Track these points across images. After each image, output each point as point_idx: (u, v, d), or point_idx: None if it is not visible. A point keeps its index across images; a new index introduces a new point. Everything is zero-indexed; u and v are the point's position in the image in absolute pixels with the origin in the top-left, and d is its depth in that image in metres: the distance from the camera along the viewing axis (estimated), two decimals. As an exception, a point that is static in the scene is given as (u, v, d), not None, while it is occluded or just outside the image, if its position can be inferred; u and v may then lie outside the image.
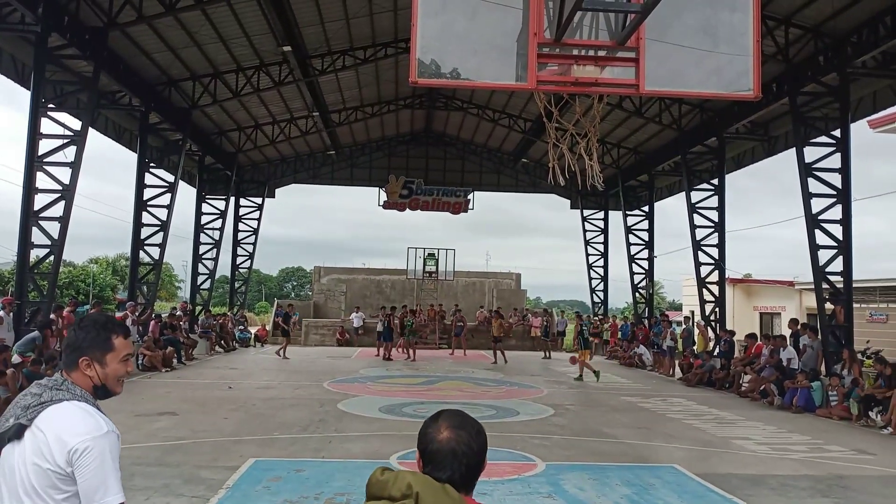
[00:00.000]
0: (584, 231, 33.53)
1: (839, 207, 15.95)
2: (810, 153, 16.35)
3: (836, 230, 16.00)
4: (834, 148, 16.06)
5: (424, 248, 33.58)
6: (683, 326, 23.26)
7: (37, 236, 15.01)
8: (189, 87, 21.60)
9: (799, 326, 17.00)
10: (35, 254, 15.27)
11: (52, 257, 15.35)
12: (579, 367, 18.76)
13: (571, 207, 34.45)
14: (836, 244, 15.97)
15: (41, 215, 15.07)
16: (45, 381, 2.36)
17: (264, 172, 32.55)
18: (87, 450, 2.21)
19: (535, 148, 30.54)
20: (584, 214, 33.53)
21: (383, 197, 33.78)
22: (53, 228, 15.13)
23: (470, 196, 34.32)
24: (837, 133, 16.03)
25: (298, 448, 9.19)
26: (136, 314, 18.71)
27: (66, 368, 2.39)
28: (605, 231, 33.28)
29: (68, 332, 2.50)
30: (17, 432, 2.23)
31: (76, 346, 2.40)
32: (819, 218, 16.10)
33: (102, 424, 2.29)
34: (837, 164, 15.99)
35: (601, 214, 33.34)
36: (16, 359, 12.48)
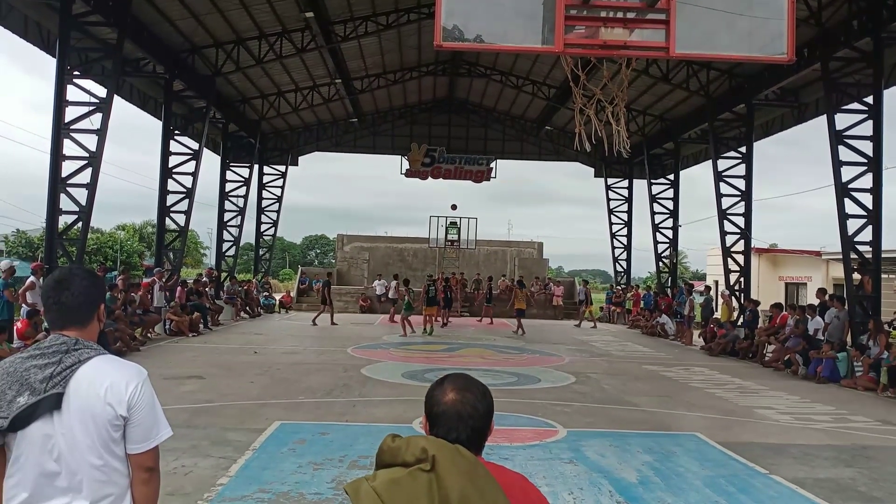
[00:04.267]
0: (608, 200, 33.20)
1: (870, 176, 15.60)
2: (841, 120, 15.98)
3: (866, 199, 15.67)
4: (866, 115, 15.68)
5: (446, 217, 33.58)
6: (704, 297, 23.10)
7: (65, 203, 15.22)
8: (212, 55, 21.58)
9: (827, 297, 16.78)
10: (63, 220, 15.52)
11: (80, 224, 15.59)
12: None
13: (595, 176, 34.13)
14: (865, 213, 15.67)
15: (69, 182, 15.27)
16: (50, 347, 2.28)
17: (287, 140, 32.59)
18: (141, 393, 2.31)
19: (558, 115, 30.21)
20: (609, 183, 33.17)
21: (405, 165, 33.70)
22: (81, 195, 15.32)
23: (493, 164, 34.13)
24: (870, 100, 15.63)
25: (323, 412, 9.32)
26: (163, 280, 18.98)
27: (79, 324, 2.36)
28: (629, 200, 32.94)
29: (71, 290, 2.36)
30: (57, 402, 2.21)
31: (92, 300, 2.41)
32: (849, 187, 15.77)
33: (140, 367, 2.40)
34: (869, 132, 15.62)
35: (625, 183, 32.97)
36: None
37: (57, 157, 15.02)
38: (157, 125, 21.62)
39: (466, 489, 1.70)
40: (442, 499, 1.69)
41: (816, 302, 16.95)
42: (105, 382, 2.26)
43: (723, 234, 22.30)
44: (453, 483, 1.70)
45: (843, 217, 15.76)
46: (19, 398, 2.20)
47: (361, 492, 1.73)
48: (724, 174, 22.26)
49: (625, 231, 33.16)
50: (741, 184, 22.05)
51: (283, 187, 32.68)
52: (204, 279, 23.83)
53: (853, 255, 15.87)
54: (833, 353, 14.06)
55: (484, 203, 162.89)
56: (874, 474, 7.19)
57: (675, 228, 28.98)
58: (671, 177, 29.31)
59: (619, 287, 32.47)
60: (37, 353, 2.28)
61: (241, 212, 28.61)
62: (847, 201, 15.74)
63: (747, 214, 21.98)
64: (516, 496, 1.83)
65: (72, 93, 15.35)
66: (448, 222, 33.40)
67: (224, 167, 28.45)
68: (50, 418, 2.22)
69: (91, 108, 15.51)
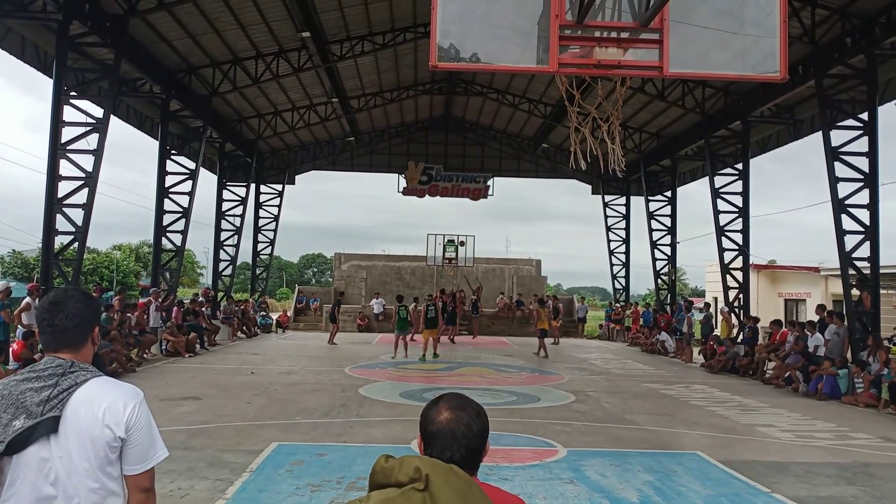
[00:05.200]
0: (606, 217, 33.31)
1: (866, 192, 15.66)
2: (837, 137, 16.05)
3: (863, 215, 15.72)
4: (861, 131, 15.76)
5: (444, 235, 33.57)
6: (704, 314, 23.07)
7: (61, 223, 15.21)
8: (209, 74, 21.69)
9: (826, 313, 16.76)
10: (59, 241, 15.47)
11: (76, 244, 15.55)
12: (429, 346, 19.06)
13: (593, 193, 34.21)
14: (862, 229, 15.70)
15: (65, 202, 15.25)
16: (45, 370, 2.26)
17: (284, 159, 32.66)
18: (138, 414, 2.31)
19: (555, 133, 30.33)
20: (606, 200, 33.30)
21: (402, 183, 33.78)
22: (77, 215, 15.30)
23: (489, 182, 34.22)
24: (865, 116, 15.72)
25: (320, 433, 9.25)
26: (160, 300, 18.91)
27: (74, 347, 2.35)
28: (626, 217, 33.03)
29: (66, 313, 2.35)
30: (54, 425, 2.20)
31: (87, 322, 2.39)
32: (846, 203, 15.83)
33: (136, 389, 2.39)
34: (865, 148, 15.70)
35: (623, 200, 33.08)
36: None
37: (53, 177, 15.01)
38: (153, 145, 21.70)
39: None
40: None
41: (816, 318, 16.91)
42: (103, 404, 2.25)
43: (721, 250, 22.31)
44: (447, 502, 1.68)
45: (841, 233, 15.78)
46: (15, 422, 2.18)
47: None
48: (721, 191, 22.31)
49: (623, 248, 33.21)
50: (738, 200, 22.09)
51: (279, 206, 32.69)
52: (200, 299, 23.76)
53: (851, 271, 15.88)
54: (834, 370, 14.00)
55: (481, 220, 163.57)
56: (876, 492, 7.14)
57: (673, 245, 29.01)
58: (668, 193, 29.35)
59: (618, 304, 32.44)
60: (32, 376, 2.26)
61: (238, 231, 28.61)
62: (844, 217, 15.78)
63: (745, 231, 22.01)
64: None
65: (68, 113, 15.38)
66: (446, 240, 33.40)
67: (221, 186, 28.48)
68: (47, 442, 2.20)
69: (88, 128, 15.53)
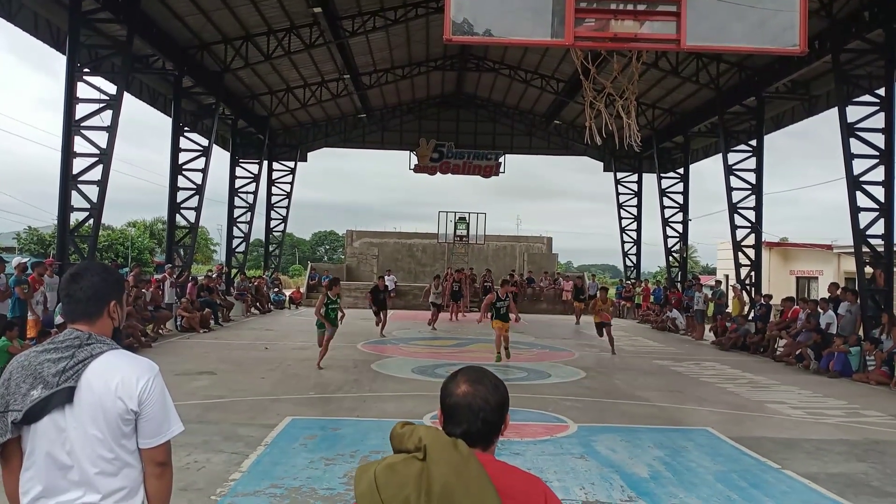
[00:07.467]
0: (618, 194, 33.11)
1: (882, 168, 15.49)
2: (853, 112, 15.85)
3: (878, 192, 15.56)
4: (878, 107, 15.56)
5: (455, 212, 33.55)
6: (715, 291, 23.00)
7: (76, 200, 15.32)
8: (221, 51, 21.63)
9: (839, 290, 16.67)
10: (75, 217, 15.61)
11: (91, 220, 15.67)
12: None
13: (604, 170, 33.99)
14: (877, 207, 15.55)
15: (80, 179, 15.35)
16: (63, 341, 2.30)
17: (296, 136, 32.63)
18: (151, 388, 2.32)
19: (567, 109, 30.09)
20: (618, 177, 33.08)
21: (414, 160, 33.67)
22: (92, 192, 15.41)
23: (501, 159, 34.04)
24: (882, 91, 15.50)
25: (334, 407, 9.35)
26: (174, 276, 19.05)
27: (88, 318, 2.37)
28: (638, 194, 32.82)
29: (80, 284, 2.38)
30: (69, 395, 2.23)
31: (101, 295, 2.40)
32: (860, 179, 15.66)
33: (152, 363, 2.40)
34: (881, 124, 15.50)
35: (635, 177, 32.86)
36: (58, 319, 12.85)
37: (68, 154, 15.11)
38: (166, 122, 21.74)
39: (450, 482, 1.74)
40: (427, 488, 1.74)
41: (828, 296, 16.82)
42: (116, 377, 2.28)
43: (733, 227, 22.19)
44: (439, 475, 1.75)
45: (855, 210, 15.65)
46: (33, 391, 2.23)
47: (366, 475, 1.82)
48: (734, 168, 22.13)
49: (634, 225, 33.06)
50: (751, 177, 21.92)
51: (292, 183, 32.74)
52: (214, 275, 23.89)
53: (865, 249, 15.77)
54: (845, 348, 13.97)
55: (492, 198, 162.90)
56: (887, 469, 7.15)
57: (684, 222, 28.84)
58: (681, 171, 29.12)
59: (628, 282, 32.39)
60: (50, 348, 2.31)
61: (251, 208, 28.72)
62: (859, 194, 15.64)
63: (758, 208, 21.86)
64: (516, 499, 1.82)
65: (82, 90, 15.43)
66: (457, 218, 33.40)
67: (233, 163, 28.56)
68: (62, 412, 2.24)
69: (101, 105, 15.58)
